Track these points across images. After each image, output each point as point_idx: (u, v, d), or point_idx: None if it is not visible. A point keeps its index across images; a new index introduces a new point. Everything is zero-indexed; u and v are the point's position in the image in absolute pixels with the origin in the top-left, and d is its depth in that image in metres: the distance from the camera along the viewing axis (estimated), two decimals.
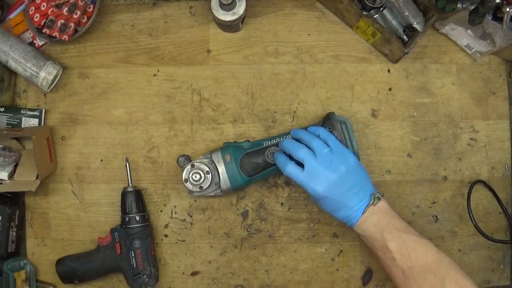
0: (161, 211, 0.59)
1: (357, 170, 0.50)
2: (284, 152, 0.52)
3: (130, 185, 0.57)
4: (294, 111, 0.60)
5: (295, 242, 0.58)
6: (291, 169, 0.50)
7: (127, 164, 0.57)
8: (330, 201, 0.49)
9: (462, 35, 0.58)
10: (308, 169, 0.49)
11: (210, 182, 0.54)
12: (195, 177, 0.54)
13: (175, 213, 0.59)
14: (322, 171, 0.48)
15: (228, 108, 0.60)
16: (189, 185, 0.54)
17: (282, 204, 0.59)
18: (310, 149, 0.50)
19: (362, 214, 0.48)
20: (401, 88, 0.60)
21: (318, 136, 0.51)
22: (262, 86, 0.60)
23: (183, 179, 0.54)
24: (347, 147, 0.53)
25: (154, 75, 0.60)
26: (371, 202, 0.49)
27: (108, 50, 0.61)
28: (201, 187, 0.54)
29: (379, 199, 0.49)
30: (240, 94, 0.60)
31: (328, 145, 0.49)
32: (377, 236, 0.48)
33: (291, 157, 0.51)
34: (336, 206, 0.49)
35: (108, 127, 0.60)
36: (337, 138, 0.53)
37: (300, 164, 0.49)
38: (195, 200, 0.59)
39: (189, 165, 0.54)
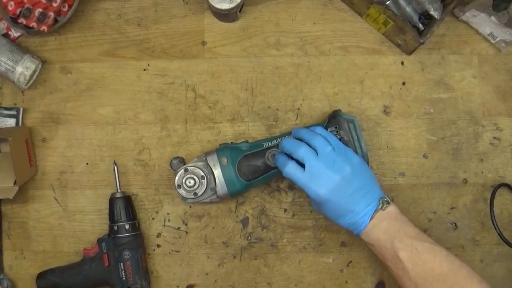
0: (153, 218, 0.58)
1: (362, 171, 0.49)
2: (286, 154, 0.51)
3: (119, 190, 0.56)
4: (298, 108, 0.59)
5: (299, 252, 0.57)
6: (290, 168, 0.49)
7: (115, 167, 0.57)
8: (334, 206, 0.48)
9: (484, 23, 0.57)
10: (309, 169, 0.48)
11: (206, 188, 0.54)
12: (189, 182, 0.54)
13: (169, 220, 0.58)
14: (324, 172, 0.48)
15: (226, 106, 0.59)
16: (183, 191, 0.54)
17: (285, 210, 0.58)
18: (312, 148, 0.49)
19: (369, 220, 0.48)
20: (416, 82, 0.59)
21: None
22: (262, 81, 0.60)
23: (176, 185, 0.54)
24: (355, 148, 0.53)
25: (144, 70, 0.60)
26: (380, 207, 0.48)
27: (93, 42, 0.61)
28: (195, 194, 0.54)
29: (388, 203, 0.48)
30: (239, 90, 0.59)
31: (330, 144, 0.49)
32: (386, 244, 0.47)
33: (293, 158, 0.50)
34: (340, 211, 0.48)
35: (93, 127, 0.59)
36: (344, 138, 0.53)
37: (302, 165, 0.49)
38: (190, 207, 0.58)
39: (182, 170, 0.54)
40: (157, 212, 0.58)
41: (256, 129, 0.59)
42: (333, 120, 0.54)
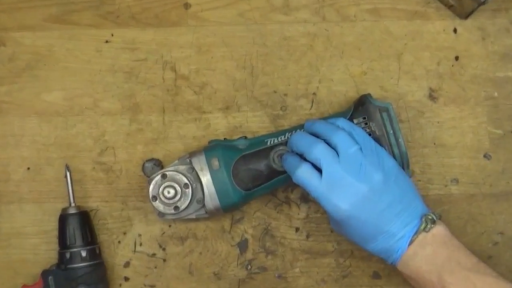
0: (119, 242, 0.55)
1: (399, 178, 0.47)
2: (297, 153, 0.49)
3: (73, 204, 0.53)
4: (314, 93, 0.56)
5: (317, 285, 0.55)
6: (303, 173, 0.47)
7: (68, 173, 0.54)
8: (360, 225, 0.46)
9: None
10: (327, 176, 0.46)
11: (190, 200, 0.51)
12: (168, 193, 0.51)
13: (140, 244, 0.55)
14: (347, 180, 0.46)
15: (217, 90, 0.57)
16: (160, 204, 0.51)
17: (297, 229, 0.55)
18: (331, 147, 0.47)
19: (408, 245, 0.45)
20: (475, 56, 0.57)
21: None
22: (266, 57, 0.57)
23: (151, 196, 0.51)
24: (390, 146, 0.50)
25: (106, 42, 0.57)
26: (422, 227, 0.45)
27: (35, 3, 0.58)
28: (177, 207, 0.51)
29: (434, 222, 0.45)
30: (234, 69, 0.57)
31: (356, 142, 0.47)
32: (432, 277, 0.44)
33: (306, 160, 0.48)
34: (369, 233, 0.46)
35: (37, 119, 0.57)
36: (375, 132, 0.50)
37: (319, 170, 0.47)
38: (169, 226, 0.55)
39: (159, 176, 0.52)
40: (124, 234, 0.56)
41: (258, 121, 0.57)
42: (360, 109, 0.51)
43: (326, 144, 0.47)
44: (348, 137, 0.47)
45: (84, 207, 0.54)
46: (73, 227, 0.51)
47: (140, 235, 0.55)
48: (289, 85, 0.57)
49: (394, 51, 0.56)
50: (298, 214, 0.55)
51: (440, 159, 0.56)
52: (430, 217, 0.45)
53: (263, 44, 0.57)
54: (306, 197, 0.55)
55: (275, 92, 0.57)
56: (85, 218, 0.53)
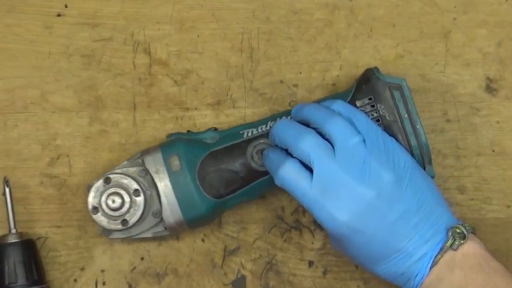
0: (75, 280, 0.53)
1: (415, 180, 0.45)
2: (282, 148, 0.48)
3: (13, 231, 0.50)
4: (333, 84, 0.54)
5: None
6: (288, 173, 0.45)
7: (7, 190, 0.51)
8: (365, 242, 0.44)
9: None
10: (319, 177, 0.44)
11: (143, 212, 0.49)
12: (113, 202, 0.49)
13: (103, 284, 0.53)
14: (346, 182, 0.44)
15: (205, 80, 0.54)
16: (102, 217, 0.49)
17: (310, 263, 0.53)
18: (325, 138, 0.45)
19: (431, 268, 0.43)
20: None
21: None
22: (270, 36, 0.55)
23: (90, 207, 0.49)
24: (406, 133, 0.48)
25: (59, 16, 0.54)
26: (449, 244, 0.43)
27: None
28: (125, 221, 0.49)
29: (464, 237, 0.43)
30: (228, 52, 0.55)
31: (358, 131, 0.45)
32: None
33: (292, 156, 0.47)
34: (377, 251, 0.44)
35: None
36: (385, 117, 0.48)
37: (309, 169, 0.45)
38: (141, 258, 0.52)
39: (101, 180, 0.49)
40: (82, 269, 0.53)
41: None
42: (364, 87, 0.48)
43: (318, 135, 0.44)
44: (346, 124, 0.44)
45: (28, 234, 0.51)
46: (14, 261, 0.49)
47: (103, 271, 0.53)
48: (301, 73, 0.55)
49: (440, 28, 0.54)
50: (312, 243, 0.53)
51: (501, 172, 0.54)
52: (459, 230, 0.42)
53: (266, 19, 0.54)
54: None
55: (281, 82, 0.55)
56: (29, 248, 0.50)
